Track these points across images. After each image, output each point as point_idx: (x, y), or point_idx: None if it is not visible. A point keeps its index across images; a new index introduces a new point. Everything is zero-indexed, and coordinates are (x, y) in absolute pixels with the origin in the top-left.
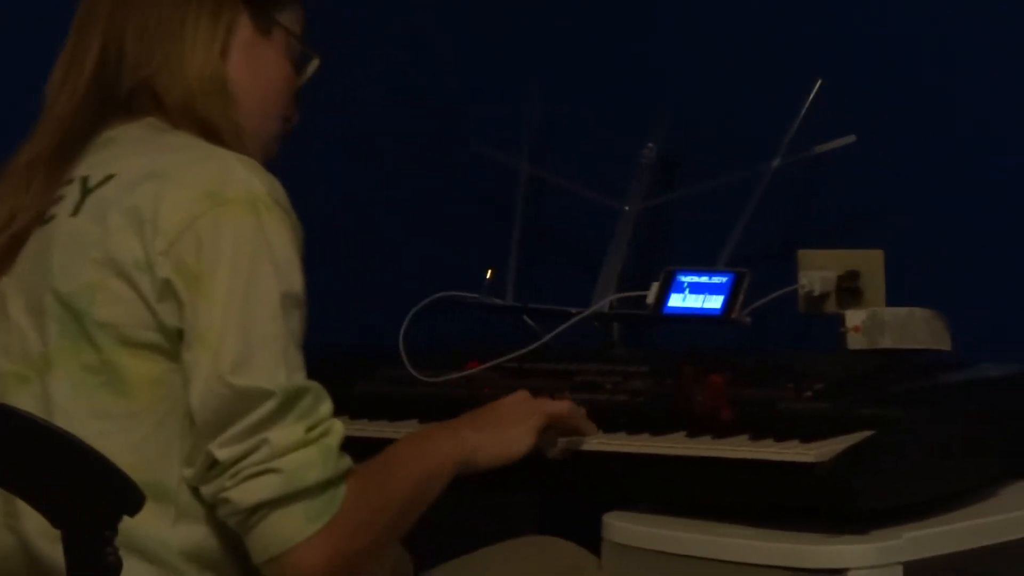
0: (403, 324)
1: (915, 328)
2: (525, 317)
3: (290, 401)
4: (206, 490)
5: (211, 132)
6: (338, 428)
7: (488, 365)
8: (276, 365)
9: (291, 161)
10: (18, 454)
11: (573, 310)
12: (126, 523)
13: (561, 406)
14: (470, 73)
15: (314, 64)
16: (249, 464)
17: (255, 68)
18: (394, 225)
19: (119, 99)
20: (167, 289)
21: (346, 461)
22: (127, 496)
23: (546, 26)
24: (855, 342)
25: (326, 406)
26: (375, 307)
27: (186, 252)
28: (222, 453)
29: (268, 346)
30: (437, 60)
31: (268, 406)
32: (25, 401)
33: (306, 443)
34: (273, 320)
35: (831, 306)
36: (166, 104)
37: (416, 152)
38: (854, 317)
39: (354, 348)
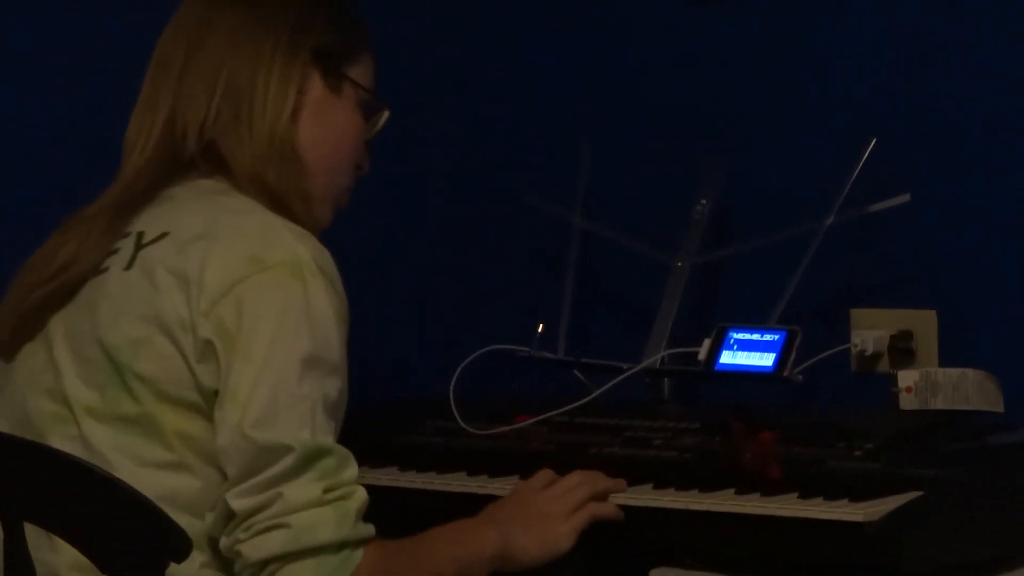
0: (454, 376)
1: (967, 389)
2: (576, 372)
3: (310, 459)
4: (223, 543)
5: (277, 199)
6: (360, 495)
7: (538, 419)
8: (301, 424)
9: (342, 213)
10: (71, 500)
11: (624, 365)
12: None
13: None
14: (523, 126)
15: (384, 116)
16: (262, 518)
17: (325, 126)
18: (446, 278)
19: (185, 160)
20: (208, 350)
21: (366, 528)
22: (174, 542)
23: (599, 79)
24: (907, 402)
25: (350, 471)
26: (426, 359)
27: (226, 314)
28: (237, 504)
29: (296, 406)
30: (490, 113)
31: (287, 461)
32: (63, 442)
33: (321, 503)
34: (304, 382)
35: (883, 366)
36: (232, 168)
37: (468, 205)
38: (906, 377)
39: (405, 400)
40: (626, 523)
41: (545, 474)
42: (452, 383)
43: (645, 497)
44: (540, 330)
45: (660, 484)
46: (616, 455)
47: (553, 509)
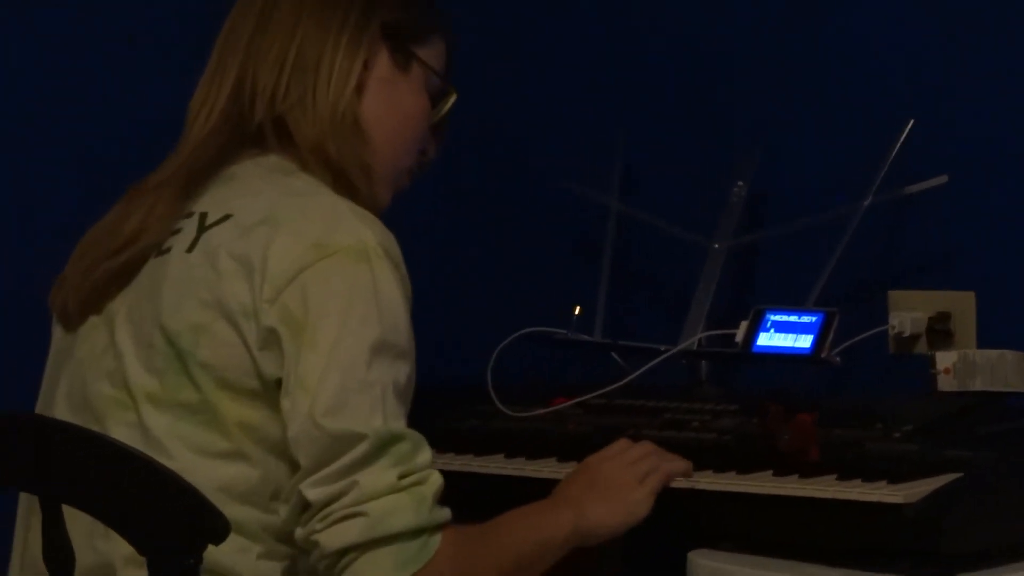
0: (491, 359)
1: (1006, 371)
2: (613, 354)
3: (384, 445)
4: (299, 533)
5: (339, 172)
6: (435, 479)
7: (575, 401)
8: (372, 410)
9: None
10: (108, 482)
11: (661, 347)
12: (211, 552)
13: (680, 465)
14: (560, 109)
15: (451, 99)
16: (339, 507)
17: (390, 104)
18: (483, 261)
19: (250, 132)
20: (271, 338)
21: (443, 512)
22: (213, 524)
23: (636, 62)
24: (945, 384)
25: (424, 456)
26: (463, 342)
27: (292, 302)
28: (313, 493)
29: (366, 392)
30: (527, 97)
31: (360, 449)
32: (121, 428)
33: (397, 489)
34: (373, 367)
35: (921, 347)
36: (296, 141)
37: (505, 189)
38: (944, 359)
39: (441, 382)
40: (664, 505)
41: (620, 443)
42: (489, 366)
43: (683, 479)
44: (577, 312)
45: (698, 466)
46: (654, 437)
47: (624, 477)
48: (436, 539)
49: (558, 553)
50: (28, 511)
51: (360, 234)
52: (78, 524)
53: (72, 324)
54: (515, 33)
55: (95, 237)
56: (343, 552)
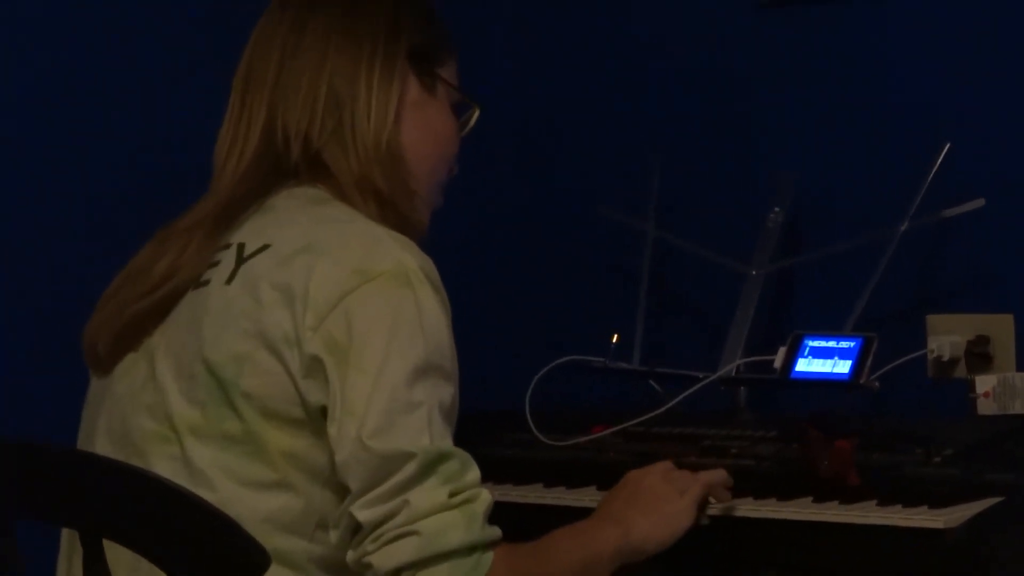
0: (529, 387)
1: None
2: (651, 381)
3: (432, 464)
4: (351, 556)
5: (386, 202)
6: (485, 496)
7: (614, 429)
8: (419, 431)
9: None
10: (148, 516)
11: (700, 374)
12: None
13: (718, 474)
14: (596, 136)
15: (475, 113)
16: (391, 527)
17: (425, 128)
18: (521, 289)
19: (285, 170)
20: (314, 365)
21: (494, 531)
22: (254, 557)
23: (672, 89)
24: (985, 407)
25: (473, 474)
26: (501, 370)
27: (336, 329)
28: (364, 515)
29: (412, 412)
30: (563, 123)
31: (410, 468)
32: (164, 462)
33: (448, 507)
34: (419, 389)
35: (960, 371)
36: (337, 174)
37: (542, 216)
38: (984, 383)
39: (480, 411)
40: (704, 532)
41: (661, 463)
42: (528, 394)
43: (723, 506)
44: (615, 340)
45: (738, 493)
46: (693, 464)
47: (665, 489)
48: (489, 556)
49: (607, 569)
50: (70, 546)
51: (400, 258)
52: (120, 559)
53: (104, 366)
54: (552, 61)
55: (124, 280)
56: (397, 571)
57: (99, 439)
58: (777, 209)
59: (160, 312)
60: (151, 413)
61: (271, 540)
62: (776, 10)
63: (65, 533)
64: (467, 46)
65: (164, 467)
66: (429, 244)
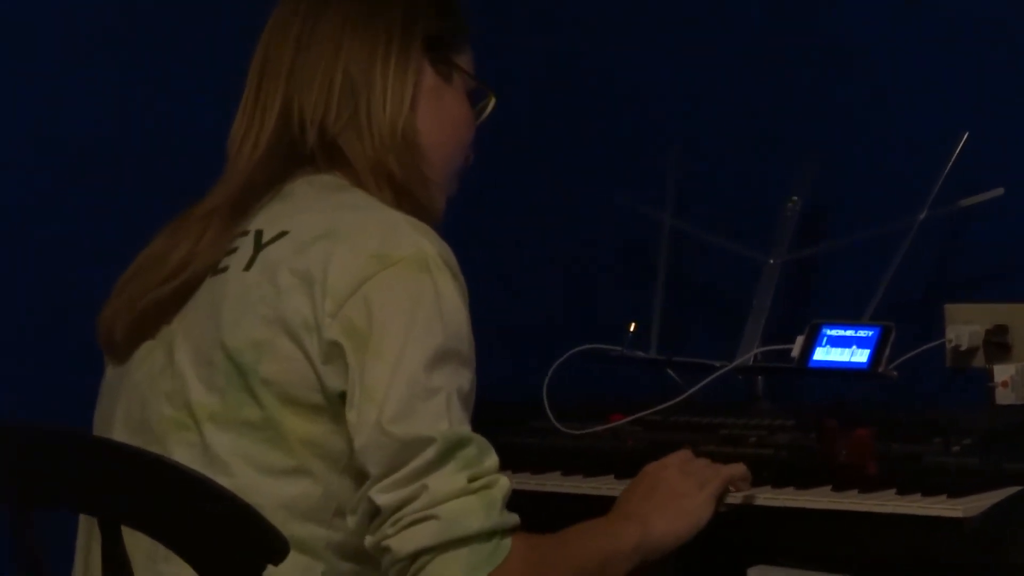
0: (547, 376)
1: None
2: (669, 370)
3: (451, 449)
4: (369, 541)
5: (402, 189)
6: (504, 482)
7: (632, 418)
8: (439, 416)
9: None
10: (166, 503)
11: (717, 363)
12: (273, 571)
13: (737, 468)
14: (614, 124)
15: (491, 102)
16: (409, 511)
17: (440, 115)
18: (539, 277)
19: (301, 156)
20: (334, 351)
21: (512, 517)
22: (272, 545)
23: (690, 77)
24: (1003, 397)
25: (491, 460)
26: (519, 360)
27: (355, 314)
28: (382, 499)
29: (431, 398)
30: (581, 111)
31: (429, 453)
32: (183, 449)
33: (467, 492)
34: (438, 374)
35: (979, 360)
36: (353, 162)
37: (559, 205)
38: (1002, 372)
39: (498, 400)
40: (723, 521)
41: (680, 453)
42: (545, 383)
43: (741, 495)
44: (632, 329)
45: (756, 482)
46: (711, 453)
47: (684, 484)
48: (507, 542)
49: (626, 566)
50: (88, 533)
51: (419, 244)
52: (139, 546)
53: (120, 353)
54: (570, 48)
55: (139, 267)
56: (416, 556)
57: (117, 427)
58: (795, 198)
59: (178, 299)
60: (169, 400)
61: (289, 527)
62: None
63: (83, 520)
64: (485, 33)
65: (182, 454)
66: (446, 233)
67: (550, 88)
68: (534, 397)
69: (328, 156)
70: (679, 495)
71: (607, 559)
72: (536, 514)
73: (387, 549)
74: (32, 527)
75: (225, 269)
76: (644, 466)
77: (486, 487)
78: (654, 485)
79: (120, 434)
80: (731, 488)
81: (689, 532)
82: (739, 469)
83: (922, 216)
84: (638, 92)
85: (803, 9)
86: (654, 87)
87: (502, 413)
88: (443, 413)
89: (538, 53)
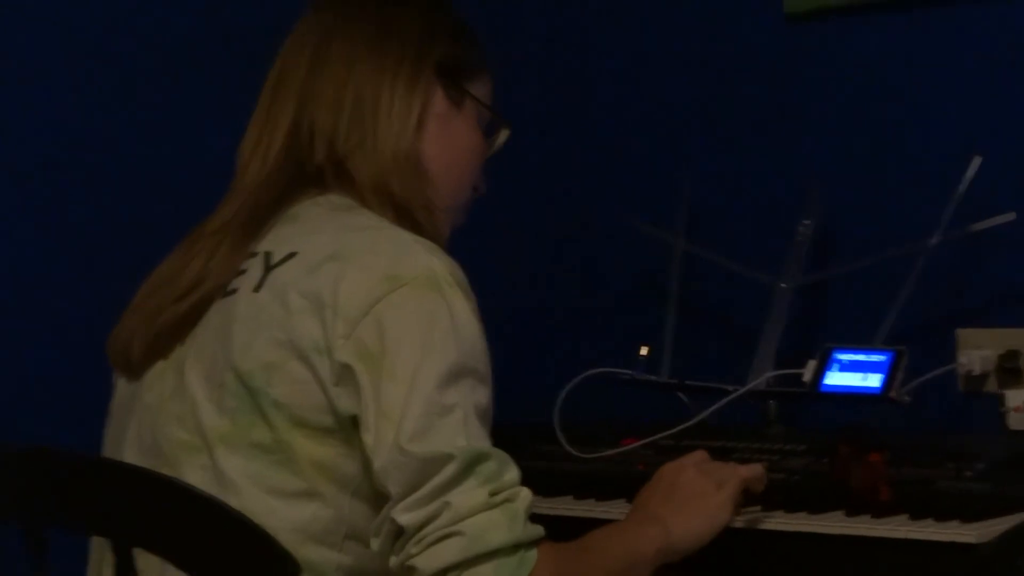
0: (558, 400)
1: None
2: (680, 394)
3: (471, 464)
4: (394, 560)
5: (402, 210)
6: (525, 494)
7: (643, 442)
8: (456, 433)
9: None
10: (178, 525)
11: (729, 387)
12: None
13: (754, 468)
14: (625, 147)
15: (505, 133)
16: (433, 529)
17: (448, 141)
18: (550, 300)
19: (309, 174)
20: (345, 373)
21: (536, 529)
22: (283, 568)
23: (701, 101)
24: (1016, 422)
25: (512, 473)
26: (530, 383)
27: (367, 336)
28: (405, 519)
29: (448, 415)
30: (593, 134)
31: (449, 470)
32: (195, 472)
33: (490, 506)
34: (454, 392)
35: (991, 386)
36: (357, 181)
37: (571, 228)
38: (1015, 397)
39: (508, 424)
40: (735, 546)
41: (696, 453)
42: (556, 407)
43: (754, 520)
44: (644, 353)
45: (768, 507)
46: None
47: (702, 485)
48: (532, 554)
49: (648, 570)
50: (100, 555)
51: (429, 263)
52: (149, 566)
53: (136, 372)
54: (581, 71)
55: (154, 284)
56: (442, 573)
57: (128, 449)
58: (807, 222)
59: (191, 320)
60: (181, 423)
61: (300, 550)
62: (804, 22)
63: (95, 541)
64: (497, 54)
65: (195, 477)
66: (459, 255)
67: (563, 110)
68: (545, 421)
69: (336, 175)
70: (698, 495)
71: (632, 563)
72: (548, 537)
73: (413, 568)
74: (46, 548)
75: (235, 291)
76: (660, 467)
77: (508, 500)
78: (673, 486)
79: (131, 456)
80: (748, 489)
81: (710, 533)
82: (756, 469)
83: (934, 241)
84: (650, 115)
85: (813, 33)
86: (666, 110)
87: (513, 436)
88: (460, 429)
89: (551, 75)
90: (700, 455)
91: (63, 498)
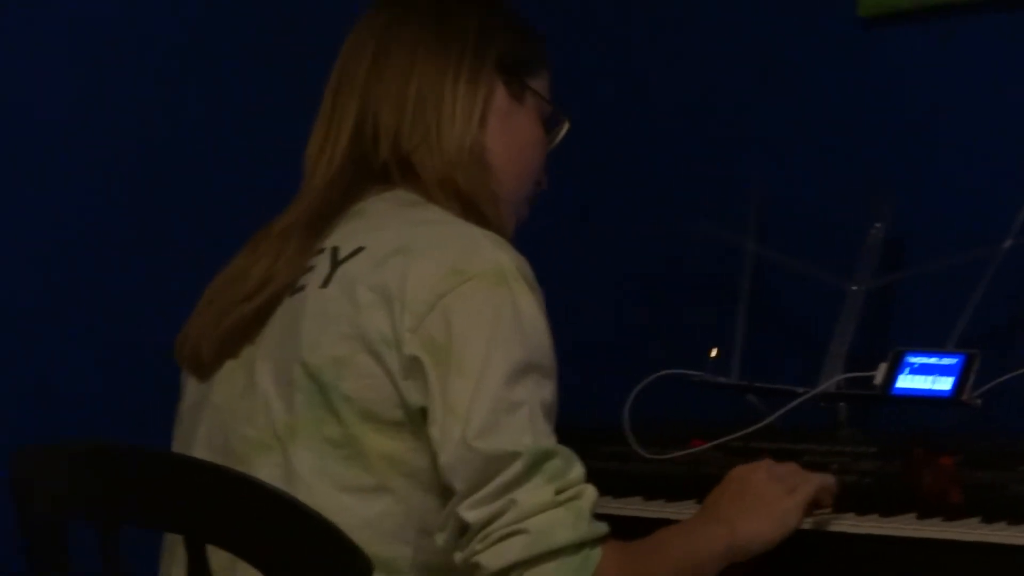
0: (628, 401)
1: None
2: (750, 396)
3: (537, 462)
4: (459, 556)
5: (468, 203)
6: (590, 492)
7: (713, 444)
8: (522, 430)
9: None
10: (252, 522)
11: (799, 389)
12: None
13: (827, 478)
14: (696, 151)
15: (565, 127)
16: (498, 526)
17: (510, 135)
18: (620, 302)
19: (374, 171)
20: (414, 366)
21: (601, 526)
22: (356, 565)
23: (773, 103)
24: None
25: (577, 470)
26: (601, 384)
27: (435, 329)
28: (471, 515)
29: (515, 412)
30: (664, 136)
31: (516, 468)
32: (267, 469)
33: (555, 504)
34: (520, 388)
35: None
36: (423, 177)
37: (642, 230)
38: None
39: (579, 425)
40: (806, 549)
41: (764, 461)
42: (626, 408)
43: (825, 522)
44: (714, 355)
45: (839, 509)
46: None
47: (773, 488)
48: (597, 552)
49: (714, 569)
50: (172, 551)
51: (496, 258)
52: (218, 562)
53: (206, 373)
54: (653, 73)
55: (221, 285)
56: (506, 570)
57: (198, 450)
58: (878, 224)
59: (260, 319)
60: (251, 421)
61: (373, 547)
62: (878, 25)
63: (167, 537)
64: (569, 58)
65: (266, 474)
66: (531, 256)
67: (637, 114)
68: (615, 422)
69: (401, 171)
70: (768, 499)
71: (699, 562)
72: (617, 538)
73: (477, 565)
74: (117, 542)
75: (302, 288)
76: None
77: (573, 498)
78: (743, 488)
79: (202, 456)
80: (818, 499)
81: (778, 536)
82: (829, 480)
83: (1007, 243)
84: (722, 117)
85: (890, 36)
86: (738, 112)
87: (583, 438)
88: (527, 427)
89: (623, 80)
90: (768, 462)
91: (137, 494)
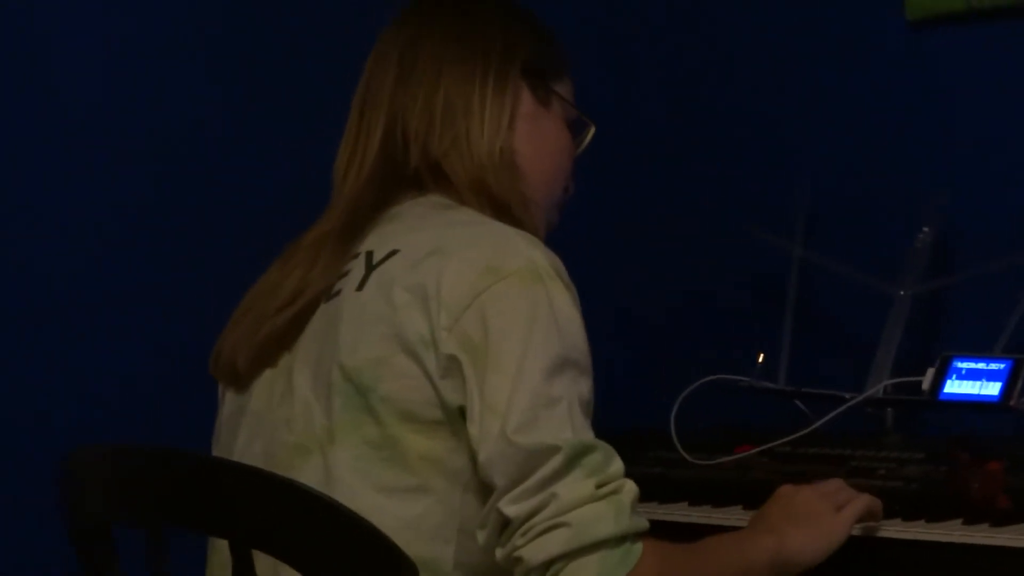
0: (675, 406)
1: None
2: (797, 401)
3: (577, 456)
4: (500, 552)
5: (500, 206)
6: (631, 487)
7: (759, 449)
8: (562, 424)
9: (564, 247)
10: (296, 527)
11: (846, 395)
12: None
13: (876, 502)
14: (743, 154)
15: (591, 131)
16: (540, 520)
17: (538, 139)
18: (667, 307)
19: (406, 178)
20: (451, 365)
21: (642, 521)
22: (399, 567)
23: (821, 107)
24: None
25: (617, 465)
26: (647, 389)
27: (471, 328)
28: (512, 510)
29: (554, 407)
30: (711, 140)
31: (556, 461)
32: (307, 473)
33: (596, 498)
34: (558, 383)
35: None
36: (454, 181)
37: (691, 236)
38: None
39: (625, 430)
40: (852, 554)
41: (814, 484)
42: (673, 413)
43: (871, 528)
44: (761, 360)
45: (886, 515)
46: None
47: (822, 504)
48: (638, 547)
49: None
50: (217, 556)
51: (531, 256)
52: (264, 568)
53: (244, 383)
54: (700, 76)
55: (254, 299)
56: (548, 564)
57: (238, 458)
58: (926, 229)
59: (295, 327)
60: (290, 426)
61: (415, 548)
62: (927, 29)
63: (212, 541)
64: (619, 62)
65: (308, 479)
66: (578, 261)
67: (682, 119)
68: (662, 426)
69: (433, 176)
70: (817, 514)
71: (742, 570)
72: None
73: (519, 559)
74: (166, 548)
75: (338, 293)
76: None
77: (614, 492)
78: (791, 503)
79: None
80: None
81: (825, 551)
82: (877, 502)
83: None
84: (770, 122)
85: (938, 40)
86: (786, 117)
87: (630, 443)
88: (566, 421)
89: (669, 85)
90: (816, 482)
91: (184, 498)
